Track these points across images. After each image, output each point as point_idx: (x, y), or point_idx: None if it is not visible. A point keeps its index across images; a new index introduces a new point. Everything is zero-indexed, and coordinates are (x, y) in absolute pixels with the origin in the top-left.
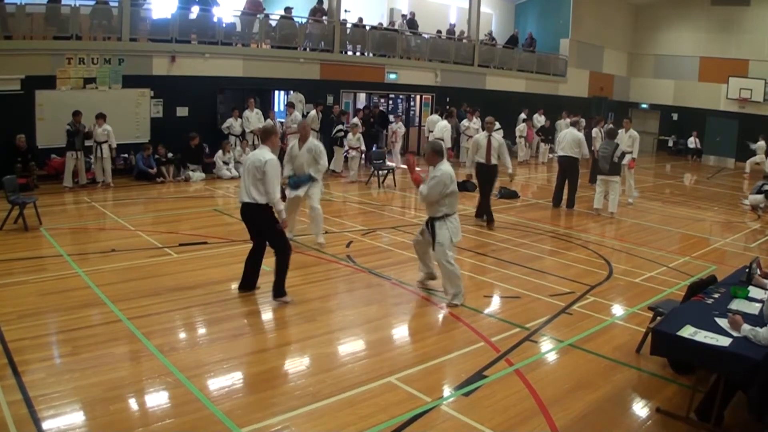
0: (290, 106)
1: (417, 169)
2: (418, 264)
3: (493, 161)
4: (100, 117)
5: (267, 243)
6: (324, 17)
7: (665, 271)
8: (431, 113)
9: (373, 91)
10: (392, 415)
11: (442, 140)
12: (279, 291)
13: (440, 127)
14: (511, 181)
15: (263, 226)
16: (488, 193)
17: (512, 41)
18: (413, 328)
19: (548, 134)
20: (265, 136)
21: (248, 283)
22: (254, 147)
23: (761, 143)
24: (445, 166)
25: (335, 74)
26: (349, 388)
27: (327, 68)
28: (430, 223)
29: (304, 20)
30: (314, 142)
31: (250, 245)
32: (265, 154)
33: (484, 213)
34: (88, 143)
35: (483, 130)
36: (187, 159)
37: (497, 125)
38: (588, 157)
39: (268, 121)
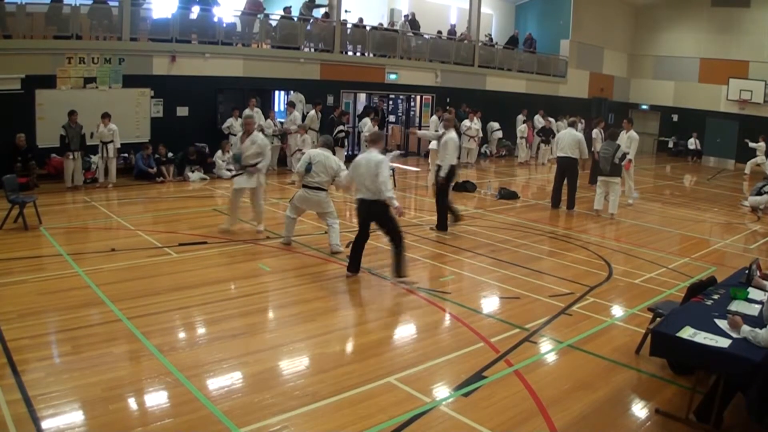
0: (290, 105)
1: None
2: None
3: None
4: (106, 116)
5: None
6: (318, 8)
7: (665, 272)
8: (431, 114)
9: (374, 91)
10: (392, 415)
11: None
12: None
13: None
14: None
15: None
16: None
17: (512, 42)
18: (413, 329)
19: (548, 135)
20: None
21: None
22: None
23: (761, 144)
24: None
25: (335, 74)
26: (349, 388)
27: (327, 68)
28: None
29: (305, 19)
30: (259, 135)
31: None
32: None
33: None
34: (92, 143)
35: (484, 131)
36: (188, 162)
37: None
38: (587, 158)
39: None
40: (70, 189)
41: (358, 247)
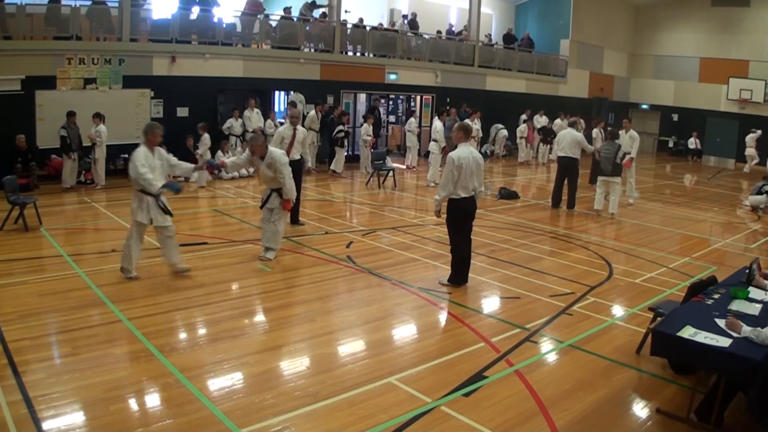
0: (292, 105)
1: None
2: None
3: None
4: (97, 117)
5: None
6: (318, 9)
7: (665, 272)
8: (431, 114)
9: (374, 91)
10: (392, 415)
11: (437, 141)
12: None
13: (434, 128)
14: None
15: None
16: None
17: (507, 39)
18: (413, 329)
19: (549, 135)
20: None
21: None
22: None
23: (754, 134)
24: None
25: (335, 75)
26: (349, 388)
27: (327, 69)
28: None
29: (305, 19)
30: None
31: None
32: None
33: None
34: (86, 144)
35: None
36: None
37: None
38: (591, 151)
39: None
40: (70, 190)
41: (467, 255)
